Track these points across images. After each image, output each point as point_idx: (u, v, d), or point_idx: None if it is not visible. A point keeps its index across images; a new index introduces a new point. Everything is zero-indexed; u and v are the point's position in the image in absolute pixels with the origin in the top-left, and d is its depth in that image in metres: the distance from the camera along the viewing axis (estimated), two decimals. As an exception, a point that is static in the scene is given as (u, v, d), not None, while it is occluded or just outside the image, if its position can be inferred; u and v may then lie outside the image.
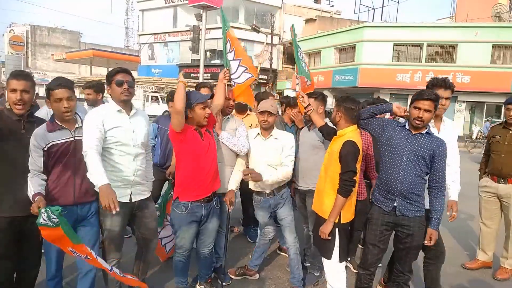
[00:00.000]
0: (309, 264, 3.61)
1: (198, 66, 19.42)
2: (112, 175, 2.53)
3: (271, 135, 3.15)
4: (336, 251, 2.74)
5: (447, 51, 20.59)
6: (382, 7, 26.24)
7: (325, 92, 4.45)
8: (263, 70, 25.68)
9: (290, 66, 28.49)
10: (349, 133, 2.75)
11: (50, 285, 2.73)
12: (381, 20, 26.17)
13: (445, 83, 2.93)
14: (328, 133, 3.00)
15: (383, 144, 2.77)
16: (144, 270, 3.07)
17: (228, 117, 3.31)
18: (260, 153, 3.15)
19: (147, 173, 2.89)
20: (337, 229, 2.71)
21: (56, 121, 2.55)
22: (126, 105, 2.67)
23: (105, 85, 2.81)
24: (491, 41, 19.46)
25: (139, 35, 35.63)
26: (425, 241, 2.69)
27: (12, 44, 39.77)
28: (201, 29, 16.49)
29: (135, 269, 3.03)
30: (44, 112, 3.42)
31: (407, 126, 2.72)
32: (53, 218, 2.07)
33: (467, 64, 19.59)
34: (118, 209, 2.21)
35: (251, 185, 3.23)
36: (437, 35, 20.36)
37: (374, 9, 27.35)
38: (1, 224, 2.47)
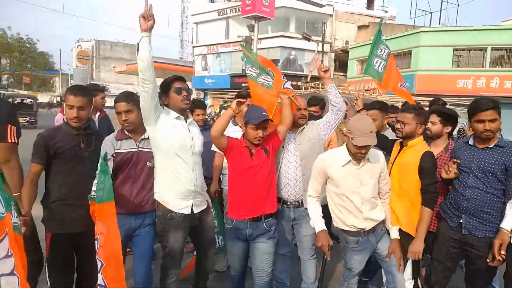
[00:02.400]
0: (367, 279, 3.46)
1: (249, 76, 19.75)
2: (173, 186, 2.55)
3: (368, 158, 2.54)
4: (409, 266, 2.67)
5: (514, 55, 19.12)
6: (440, 10, 24.99)
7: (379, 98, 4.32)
8: (314, 78, 25.47)
9: (342, 74, 27.99)
10: (420, 143, 2.71)
11: None
12: (439, 24, 24.94)
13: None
14: (383, 140, 2.95)
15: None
16: (204, 279, 3.01)
17: (304, 128, 3.05)
18: (354, 186, 2.52)
19: (203, 182, 2.85)
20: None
21: (124, 130, 2.63)
22: (183, 113, 2.67)
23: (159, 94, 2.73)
24: None
25: (193, 46, 36.97)
26: (488, 260, 2.38)
27: (80, 58, 43.05)
28: (253, 40, 16.74)
29: (195, 278, 3.01)
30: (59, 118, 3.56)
31: (471, 142, 2.54)
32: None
33: (537, 68, 18.02)
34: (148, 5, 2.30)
35: (342, 222, 2.61)
36: (503, 38, 18.95)
37: (431, 13, 26.15)
38: (60, 241, 2.50)
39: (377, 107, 3.37)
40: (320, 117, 3.48)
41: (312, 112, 4.05)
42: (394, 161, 2.80)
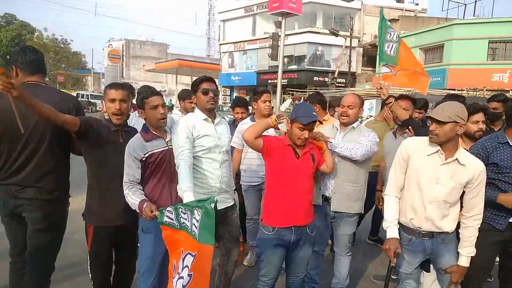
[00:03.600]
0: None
1: (275, 72, 19.72)
2: (199, 182, 2.60)
3: (456, 158, 2.24)
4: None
5: (555, 47, 18.17)
6: (475, 2, 24.04)
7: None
8: (342, 74, 25.16)
9: (370, 69, 27.50)
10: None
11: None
12: (473, 16, 24.00)
13: None
14: (416, 128, 2.86)
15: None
16: (226, 281, 2.94)
17: (354, 128, 2.95)
18: (431, 180, 2.28)
19: (230, 180, 2.88)
20: None
21: (151, 130, 2.55)
22: (211, 113, 2.70)
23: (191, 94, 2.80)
24: None
25: (220, 44, 37.33)
26: None
27: (111, 57, 44.31)
28: (280, 36, 16.70)
29: (217, 280, 2.94)
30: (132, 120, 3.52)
31: (505, 140, 2.47)
32: (182, 216, 2.02)
33: None
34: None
35: (402, 214, 2.43)
36: (543, 29, 18.06)
37: (465, 4, 25.18)
38: (102, 234, 2.51)
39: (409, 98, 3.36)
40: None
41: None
42: None
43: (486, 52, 19.27)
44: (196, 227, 2.07)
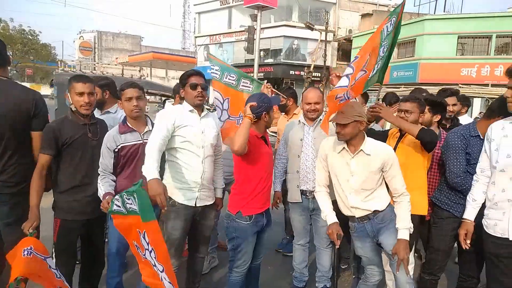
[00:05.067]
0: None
1: (252, 66, 19.66)
2: (179, 176, 2.55)
3: (361, 149, 2.47)
4: (412, 248, 2.78)
5: (519, 42, 18.93)
6: (445, -3, 24.66)
7: (382, 89, 4.28)
8: (317, 68, 25.35)
9: (345, 63, 27.83)
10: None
11: (111, 283, 2.76)
12: (443, 12, 24.65)
13: None
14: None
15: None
16: (197, 275, 2.92)
17: (321, 120, 3.04)
18: (345, 174, 2.51)
19: (216, 177, 2.84)
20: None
21: (128, 123, 2.63)
22: (199, 106, 2.67)
23: (179, 87, 2.77)
24: None
25: (196, 37, 36.82)
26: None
27: (82, 49, 43.00)
28: (255, 29, 16.65)
29: (186, 277, 2.92)
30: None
31: (476, 133, 2.64)
32: (127, 202, 2.04)
33: (543, 55, 17.84)
34: (165, 208, 2.15)
35: (340, 208, 2.64)
36: (508, 25, 18.72)
37: (436, 0, 25.83)
38: (68, 227, 2.54)
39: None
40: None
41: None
42: (395, 147, 2.83)
43: (456, 47, 19.85)
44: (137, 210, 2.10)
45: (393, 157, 2.45)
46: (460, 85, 7.80)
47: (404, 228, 2.44)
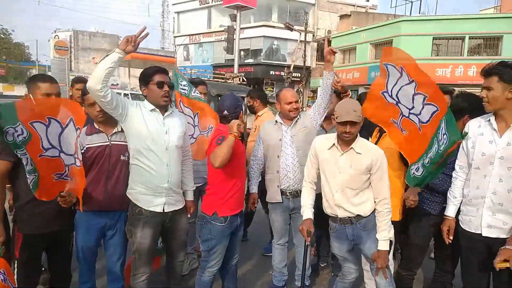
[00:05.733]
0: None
1: (232, 66, 19.65)
2: (144, 181, 2.43)
3: (352, 147, 2.43)
4: (392, 248, 2.74)
5: (491, 44, 19.53)
6: (420, 0, 25.31)
7: (360, 89, 4.36)
8: (297, 68, 25.52)
9: (324, 63, 28.10)
10: None
11: None
12: (419, 13, 25.26)
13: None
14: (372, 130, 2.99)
15: None
16: (176, 280, 2.84)
17: (297, 119, 3.09)
18: (333, 171, 2.48)
19: (186, 179, 2.75)
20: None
21: (95, 124, 2.52)
22: (163, 107, 2.51)
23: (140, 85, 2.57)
24: (540, 32, 18.28)
25: (175, 36, 36.50)
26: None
27: (57, 49, 41.84)
28: (235, 29, 16.64)
29: (166, 284, 2.85)
30: None
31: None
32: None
33: (513, 56, 18.51)
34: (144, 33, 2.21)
35: (324, 206, 2.62)
36: (480, 27, 19.33)
37: (412, 2, 26.40)
38: (33, 241, 2.40)
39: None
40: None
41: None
42: None
43: (431, 48, 20.34)
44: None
45: (383, 159, 2.42)
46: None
47: (384, 239, 2.42)
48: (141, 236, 2.46)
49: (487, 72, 2.21)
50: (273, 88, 29.53)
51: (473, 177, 2.33)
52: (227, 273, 2.86)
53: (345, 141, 2.41)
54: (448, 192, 2.54)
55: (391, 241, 2.52)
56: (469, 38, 19.71)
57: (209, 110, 3.30)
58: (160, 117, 2.49)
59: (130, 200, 2.49)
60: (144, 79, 2.48)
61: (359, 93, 5.02)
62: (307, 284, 3.20)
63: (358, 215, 2.47)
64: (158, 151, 2.44)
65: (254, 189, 3.28)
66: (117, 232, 2.61)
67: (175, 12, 36.54)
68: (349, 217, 2.48)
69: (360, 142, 2.44)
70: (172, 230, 2.64)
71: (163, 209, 2.49)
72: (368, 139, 2.73)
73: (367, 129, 3.03)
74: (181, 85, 3.23)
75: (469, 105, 2.65)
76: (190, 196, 2.80)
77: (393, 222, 2.62)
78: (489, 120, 2.30)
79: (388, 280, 2.48)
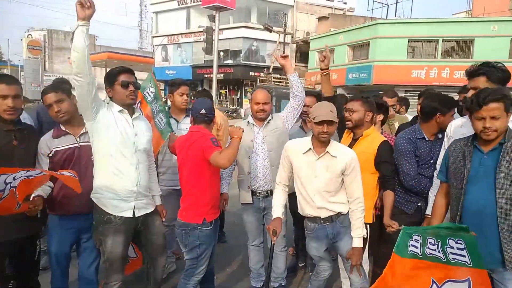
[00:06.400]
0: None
1: (211, 67, 19.53)
2: (112, 185, 2.35)
3: (327, 151, 2.45)
4: (366, 248, 2.79)
5: (463, 46, 20.16)
6: (396, 3, 25.89)
7: (339, 90, 4.42)
8: (276, 69, 25.65)
9: (303, 65, 28.37)
10: (375, 133, 2.84)
11: None
12: (395, 16, 25.82)
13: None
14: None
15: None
16: (156, 285, 2.77)
17: (269, 120, 3.09)
18: (309, 175, 2.48)
19: (152, 184, 2.71)
20: (368, 226, 2.74)
21: (61, 126, 2.45)
22: (129, 107, 2.46)
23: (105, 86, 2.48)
24: (509, 35, 18.97)
25: (153, 36, 36.03)
26: None
27: (30, 48, 40.64)
28: (214, 30, 16.56)
29: None
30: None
31: (427, 138, 2.74)
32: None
33: (484, 59, 19.09)
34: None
35: (301, 208, 2.64)
36: (453, 30, 19.95)
37: (388, 5, 27.01)
38: None
39: (314, 94, 3.55)
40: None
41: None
42: None
43: (406, 50, 20.83)
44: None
45: (356, 160, 2.46)
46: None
47: (359, 236, 2.48)
48: (112, 244, 2.38)
49: (474, 73, 2.25)
50: (252, 89, 29.59)
51: None
52: (205, 276, 2.82)
53: (321, 143, 2.42)
54: (430, 191, 2.60)
55: (365, 239, 2.60)
56: (442, 41, 20.29)
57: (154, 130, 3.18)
58: (129, 118, 2.44)
59: (96, 206, 2.40)
60: (109, 80, 2.41)
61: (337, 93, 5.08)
62: (283, 284, 3.21)
63: (339, 213, 2.52)
64: (128, 154, 2.38)
65: (225, 189, 3.27)
66: (90, 236, 2.57)
67: (153, 12, 36.06)
68: (330, 216, 2.52)
69: (334, 145, 2.47)
70: (146, 235, 2.58)
71: (134, 213, 2.42)
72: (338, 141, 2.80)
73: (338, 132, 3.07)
74: (149, 89, 3.17)
75: (439, 104, 2.72)
76: (158, 201, 2.76)
77: (367, 224, 2.71)
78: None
79: (362, 277, 2.54)
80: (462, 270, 2.05)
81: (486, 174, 1.99)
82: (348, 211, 2.54)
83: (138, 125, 2.49)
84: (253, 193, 3.08)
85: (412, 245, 2.19)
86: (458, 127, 2.44)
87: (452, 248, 2.06)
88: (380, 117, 3.09)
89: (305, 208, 2.57)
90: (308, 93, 3.70)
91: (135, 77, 2.49)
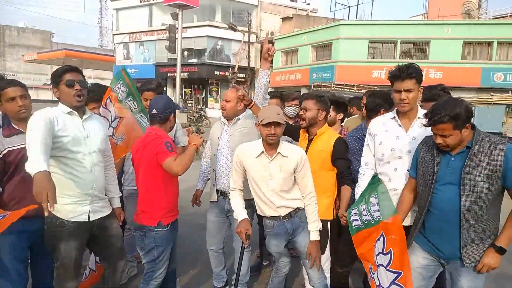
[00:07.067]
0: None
1: (175, 65, 19.22)
2: (65, 189, 2.24)
3: (279, 152, 2.48)
4: (328, 246, 2.80)
5: (420, 48, 21.07)
6: (357, 5, 26.68)
7: (303, 90, 4.43)
8: (241, 69, 25.66)
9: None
10: (329, 130, 2.85)
11: None
12: (356, 18, 26.54)
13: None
14: (292, 131, 3.02)
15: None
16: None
17: (239, 119, 3.00)
18: (265, 178, 2.49)
19: (111, 186, 2.62)
20: (328, 223, 2.76)
21: (13, 124, 2.35)
22: (79, 108, 2.34)
23: (52, 86, 2.37)
24: (461, 38, 20.02)
25: (114, 34, 34.94)
26: None
27: (-20, 45, 38.28)
28: (177, 28, 16.30)
29: None
30: None
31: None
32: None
33: (439, 60, 20.12)
34: (52, 208, 1.71)
35: (260, 209, 2.63)
36: (410, 32, 20.79)
37: (349, 7, 27.71)
38: None
39: (278, 95, 3.53)
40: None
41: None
42: (306, 151, 2.87)
43: (367, 51, 21.48)
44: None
45: (305, 157, 2.54)
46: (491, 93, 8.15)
47: (315, 230, 2.54)
48: (65, 249, 2.26)
49: (407, 75, 2.34)
50: (218, 88, 29.43)
51: (384, 171, 2.50)
52: (165, 279, 2.75)
53: (271, 145, 2.44)
54: (356, 188, 2.67)
55: (327, 236, 2.67)
56: (401, 43, 21.10)
57: (135, 127, 3.15)
58: (79, 120, 2.33)
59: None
60: (54, 79, 2.30)
61: (302, 93, 5.09)
62: None
63: (297, 208, 2.57)
64: (79, 157, 2.27)
65: (199, 185, 3.27)
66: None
67: (113, 9, 34.98)
68: (289, 212, 2.56)
69: (284, 146, 2.50)
70: (101, 238, 2.47)
71: (89, 217, 2.33)
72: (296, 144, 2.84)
73: (291, 134, 3.08)
74: (120, 88, 3.09)
75: (383, 101, 2.84)
76: (117, 203, 2.66)
77: (328, 221, 2.75)
78: (394, 118, 2.48)
79: (319, 272, 2.59)
80: (378, 227, 2.30)
81: (453, 176, 2.05)
82: (303, 207, 2.60)
83: (90, 125, 2.39)
84: (221, 194, 3.01)
85: (353, 220, 2.49)
86: (380, 124, 2.55)
87: (374, 205, 2.32)
88: (340, 116, 3.13)
89: (265, 210, 2.58)
90: (272, 94, 3.69)
91: (83, 76, 2.39)
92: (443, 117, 1.92)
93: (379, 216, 2.29)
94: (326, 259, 2.82)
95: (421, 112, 2.41)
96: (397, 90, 2.37)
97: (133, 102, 3.17)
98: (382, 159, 2.50)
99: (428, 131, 2.19)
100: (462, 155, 2.03)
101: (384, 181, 2.45)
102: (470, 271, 2.07)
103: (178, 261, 3.03)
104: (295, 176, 2.52)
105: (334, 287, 2.91)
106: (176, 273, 2.94)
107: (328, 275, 2.85)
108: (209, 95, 29.51)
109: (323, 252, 2.77)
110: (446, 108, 1.93)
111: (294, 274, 2.80)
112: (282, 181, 2.47)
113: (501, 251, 2.01)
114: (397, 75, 2.37)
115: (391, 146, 2.45)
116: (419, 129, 2.39)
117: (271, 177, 2.47)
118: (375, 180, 2.38)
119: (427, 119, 2.02)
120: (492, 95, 7.92)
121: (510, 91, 15.14)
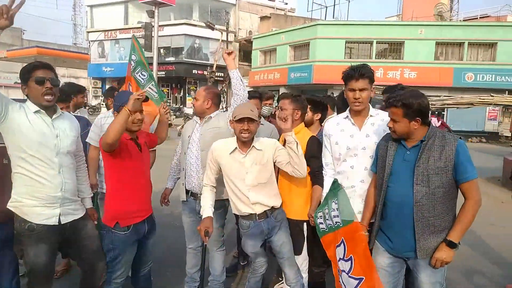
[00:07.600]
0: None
1: (151, 64, 18.89)
2: (32, 192, 2.15)
3: (253, 146, 2.50)
4: (305, 246, 2.80)
5: (395, 48, 21.52)
6: (334, 5, 27.07)
7: (281, 89, 4.43)
8: (219, 68, 25.50)
9: (246, 63, 28.53)
10: (303, 129, 2.84)
11: None
12: (333, 18, 26.86)
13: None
14: None
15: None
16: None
17: (211, 117, 2.93)
18: (240, 173, 2.49)
19: (82, 186, 2.53)
20: (305, 224, 2.76)
21: None
22: (48, 107, 2.23)
23: (21, 84, 2.24)
24: (434, 39, 20.59)
25: (88, 32, 34.07)
26: None
27: None
28: (153, 26, 16.03)
29: None
30: None
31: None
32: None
33: (413, 60, 20.63)
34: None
35: (235, 208, 2.61)
36: (386, 33, 21.21)
37: (326, 7, 28.02)
38: None
39: (257, 95, 3.52)
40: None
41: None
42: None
43: (344, 51, 21.77)
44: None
45: (278, 143, 2.60)
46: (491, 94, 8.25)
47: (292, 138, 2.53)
48: (35, 254, 2.17)
49: (360, 75, 2.46)
50: (196, 87, 29.17)
51: (342, 169, 2.56)
52: (139, 281, 2.70)
53: (245, 142, 2.45)
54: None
55: (303, 236, 2.68)
56: (376, 43, 21.49)
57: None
58: (48, 119, 2.22)
59: (15, 214, 2.18)
60: (23, 76, 2.18)
61: (281, 92, 5.08)
62: None
63: (272, 207, 2.56)
64: (47, 157, 2.17)
65: (169, 184, 3.21)
66: (8, 246, 2.38)
67: (87, 6, 34.10)
68: (265, 211, 2.55)
69: (258, 140, 2.53)
70: (75, 241, 2.37)
71: (59, 221, 2.24)
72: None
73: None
74: (133, 57, 3.15)
75: (344, 102, 2.87)
76: (88, 204, 2.58)
77: (304, 222, 2.75)
78: (347, 117, 2.58)
79: (296, 272, 2.61)
80: (338, 233, 2.36)
81: (407, 169, 2.11)
82: (280, 207, 2.61)
83: (60, 125, 2.28)
84: (191, 194, 2.95)
85: (320, 223, 2.54)
86: (334, 125, 2.63)
87: (334, 210, 2.39)
88: (318, 116, 3.14)
89: (240, 207, 2.56)
90: (251, 95, 3.62)
91: (55, 73, 2.27)
92: (396, 102, 2.07)
93: (338, 222, 2.36)
94: (303, 259, 2.82)
95: (373, 110, 2.57)
96: (352, 89, 2.46)
97: (141, 73, 3.10)
98: (339, 158, 2.58)
99: (382, 128, 2.41)
100: (416, 149, 2.12)
101: (343, 179, 2.52)
102: (428, 266, 2.12)
103: (153, 262, 2.96)
104: (277, 162, 2.53)
105: (311, 287, 2.90)
106: (150, 275, 2.85)
107: (305, 275, 2.84)
108: (187, 94, 29.21)
109: (300, 252, 2.77)
110: (403, 96, 2.08)
111: (272, 273, 2.77)
112: (257, 173, 2.48)
113: (451, 245, 2.04)
114: (351, 75, 2.48)
115: (347, 144, 2.53)
116: (372, 127, 2.51)
117: (246, 172, 2.48)
118: (336, 186, 2.44)
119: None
120: (492, 96, 8.23)
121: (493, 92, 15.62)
